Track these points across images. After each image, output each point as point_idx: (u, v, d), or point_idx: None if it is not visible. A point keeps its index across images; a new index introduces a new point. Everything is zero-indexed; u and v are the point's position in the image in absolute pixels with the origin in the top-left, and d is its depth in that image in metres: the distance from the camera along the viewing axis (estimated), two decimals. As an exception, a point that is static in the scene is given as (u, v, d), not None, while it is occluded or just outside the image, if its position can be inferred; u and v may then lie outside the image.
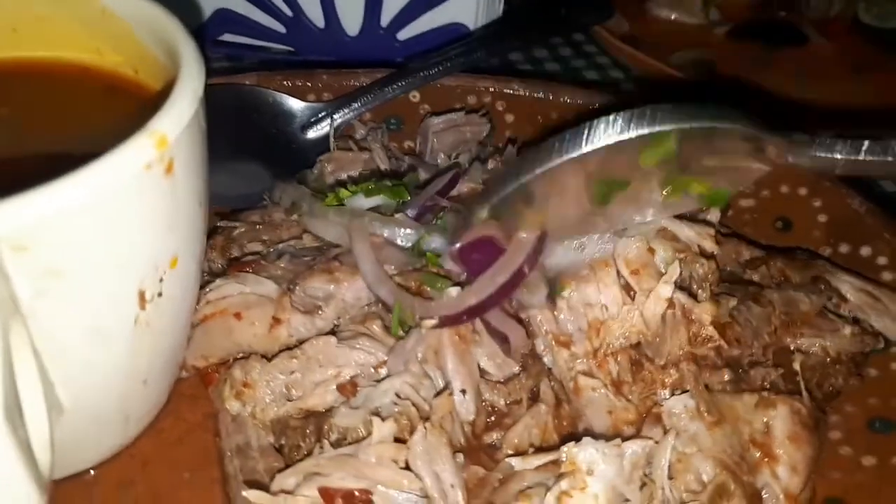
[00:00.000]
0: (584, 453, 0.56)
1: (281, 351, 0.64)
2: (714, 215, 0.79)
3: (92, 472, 0.63)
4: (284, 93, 0.92)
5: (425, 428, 0.57)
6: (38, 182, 0.43)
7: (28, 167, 0.55)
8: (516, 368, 0.65)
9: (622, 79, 1.30)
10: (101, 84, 0.64)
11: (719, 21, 1.47)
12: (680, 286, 0.69)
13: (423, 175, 0.82)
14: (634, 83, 1.29)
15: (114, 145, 0.45)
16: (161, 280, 0.51)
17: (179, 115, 0.48)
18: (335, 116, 0.91)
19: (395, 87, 0.94)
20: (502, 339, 0.62)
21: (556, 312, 0.67)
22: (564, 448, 0.56)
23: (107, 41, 0.62)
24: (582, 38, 1.37)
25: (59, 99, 0.63)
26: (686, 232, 0.73)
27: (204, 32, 1.17)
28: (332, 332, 0.66)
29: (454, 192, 0.78)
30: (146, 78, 0.62)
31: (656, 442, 0.59)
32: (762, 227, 0.89)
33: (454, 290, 0.63)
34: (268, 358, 0.64)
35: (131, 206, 0.46)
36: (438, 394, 0.60)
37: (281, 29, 1.20)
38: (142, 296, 0.50)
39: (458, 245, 0.65)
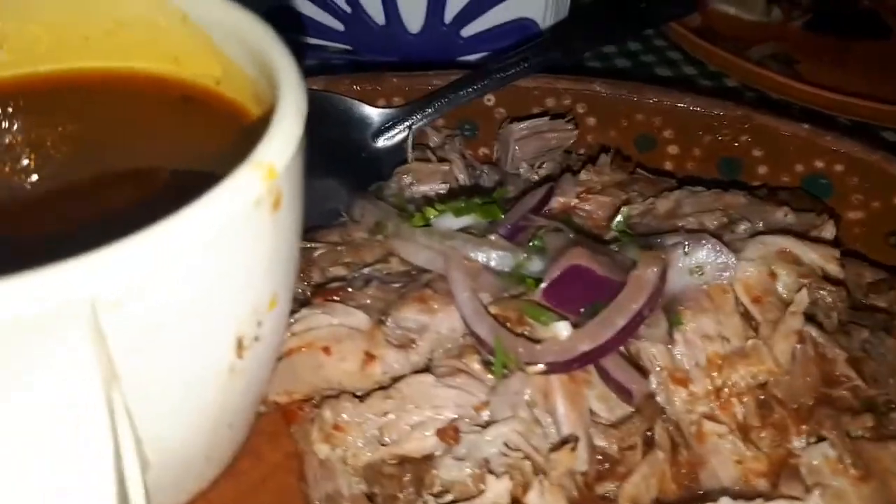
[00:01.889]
0: (723, 515, 0.50)
1: (374, 390, 0.58)
2: (829, 231, 0.72)
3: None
4: (353, 98, 0.86)
5: (542, 485, 0.51)
6: (120, 214, 0.37)
7: (108, 193, 0.50)
8: (629, 410, 0.59)
9: (696, 74, 1.23)
10: (177, 97, 0.58)
11: (793, 14, 1.38)
12: (806, 316, 0.62)
13: (509, 188, 0.76)
14: (710, 79, 1.21)
15: (198, 168, 0.40)
16: (259, 324, 0.46)
17: (287, 141, 0.42)
18: (409, 123, 0.85)
19: (469, 89, 0.87)
20: (621, 389, 0.56)
21: (670, 346, 0.61)
22: (702, 510, 0.50)
23: (186, 50, 0.57)
24: (651, 31, 1.30)
25: (134, 114, 0.58)
26: (810, 254, 0.66)
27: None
28: (427, 369, 0.60)
29: (546, 209, 0.72)
30: (229, 91, 0.56)
31: (798, 500, 0.53)
32: (874, 244, 0.81)
33: (563, 327, 0.57)
34: (359, 397, 0.58)
35: (234, 248, 0.41)
36: (557, 446, 0.54)
37: (339, 26, 1.14)
38: (240, 343, 0.45)
39: (544, 285, 0.58)
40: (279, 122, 0.43)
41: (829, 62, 1.28)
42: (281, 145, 0.42)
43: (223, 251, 0.40)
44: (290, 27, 1.15)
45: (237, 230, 0.40)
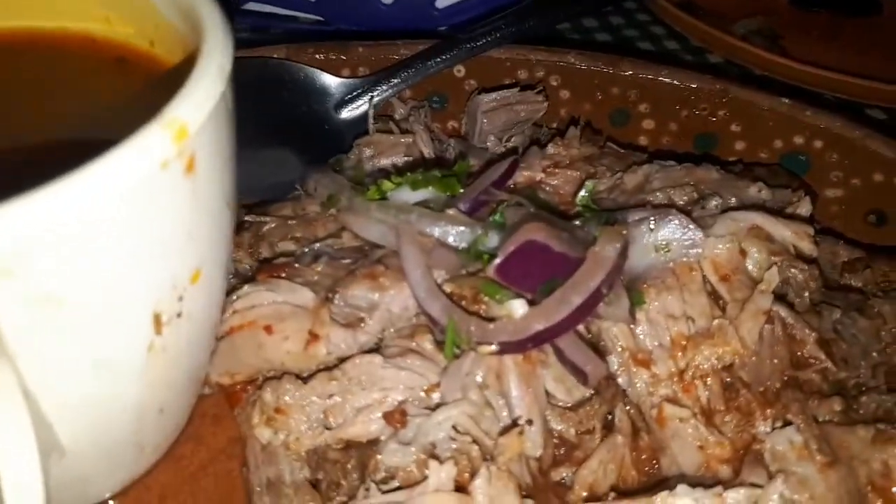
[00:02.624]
0: (681, 502, 0.47)
1: (318, 371, 0.55)
2: (805, 208, 0.69)
3: (111, 503, 0.55)
4: (316, 67, 0.82)
5: (489, 471, 0.48)
6: (29, 181, 0.34)
7: (20, 160, 0.46)
8: (587, 392, 0.56)
9: (679, 49, 1.19)
10: (110, 58, 0.55)
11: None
12: (776, 295, 0.59)
13: (472, 162, 0.73)
14: (693, 54, 1.18)
15: (124, 133, 0.36)
16: (180, 299, 0.43)
17: (202, 99, 0.39)
18: (373, 94, 0.81)
19: (438, 60, 0.84)
20: (576, 371, 0.53)
21: (632, 325, 0.58)
22: (657, 498, 0.48)
23: (118, 8, 0.53)
24: (634, 5, 1.26)
25: (61, 76, 0.54)
26: (782, 231, 0.63)
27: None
28: (376, 349, 0.57)
29: (510, 183, 0.69)
30: (163, 52, 0.53)
31: (760, 487, 0.50)
32: (852, 222, 0.79)
33: (518, 305, 0.53)
34: (303, 379, 0.55)
35: (144, 215, 0.37)
36: (505, 430, 0.51)
37: (309, -5, 1.10)
38: (157, 319, 0.41)
39: (497, 261, 0.55)
40: (195, 80, 0.39)
41: (816, 38, 1.24)
42: (195, 104, 0.38)
43: (128, 216, 0.36)
44: (258, -3, 1.11)
45: (144, 193, 0.36)
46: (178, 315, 0.43)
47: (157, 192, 0.37)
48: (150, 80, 0.52)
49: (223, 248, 0.47)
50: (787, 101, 0.82)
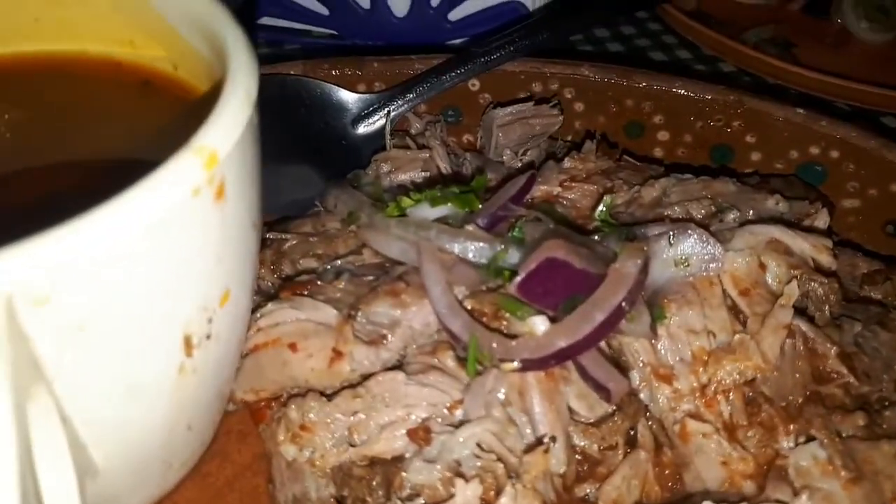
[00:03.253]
0: (705, 520, 0.48)
1: (342, 388, 0.56)
2: (823, 220, 0.69)
3: (132, 522, 0.56)
4: (332, 83, 0.83)
5: (514, 489, 0.48)
6: (59, 208, 0.35)
7: (48, 185, 0.47)
8: (610, 408, 0.57)
9: (691, 59, 1.19)
10: (134, 81, 0.56)
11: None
12: (796, 309, 0.59)
13: (490, 176, 0.73)
14: (705, 63, 1.18)
15: (151, 158, 0.37)
16: (210, 321, 0.43)
17: (231, 126, 0.39)
18: (389, 109, 0.82)
19: (452, 74, 0.84)
20: (599, 387, 0.53)
21: (653, 341, 0.58)
22: (683, 515, 0.48)
23: (142, 32, 0.54)
24: (646, 15, 1.26)
25: (85, 99, 0.55)
26: (801, 244, 0.63)
27: (243, 16, 1.08)
28: (399, 366, 0.57)
29: (527, 198, 0.69)
30: (188, 75, 0.53)
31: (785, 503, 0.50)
32: (870, 233, 0.79)
33: (540, 322, 0.54)
34: (327, 396, 0.56)
35: (175, 242, 0.38)
36: (530, 447, 0.51)
37: (324, 11, 1.11)
38: (187, 342, 0.42)
39: (518, 279, 0.55)
40: (223, 106, 0.40)
41: (828, 46, 1.24)
42: (224, 130, 0.39)
43: (161, 243, 0.37)
44: (272, 12, 1.12)
45: (176, 221, 0.37)
46: (208, 337, 0.44)
47: (188, 220, 0.38)
48: (175, 104, 0.53)
49: (250, 269, 0.48)
50: (801, 111, 0.83)
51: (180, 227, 0.37)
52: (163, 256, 0.37)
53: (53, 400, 0.36)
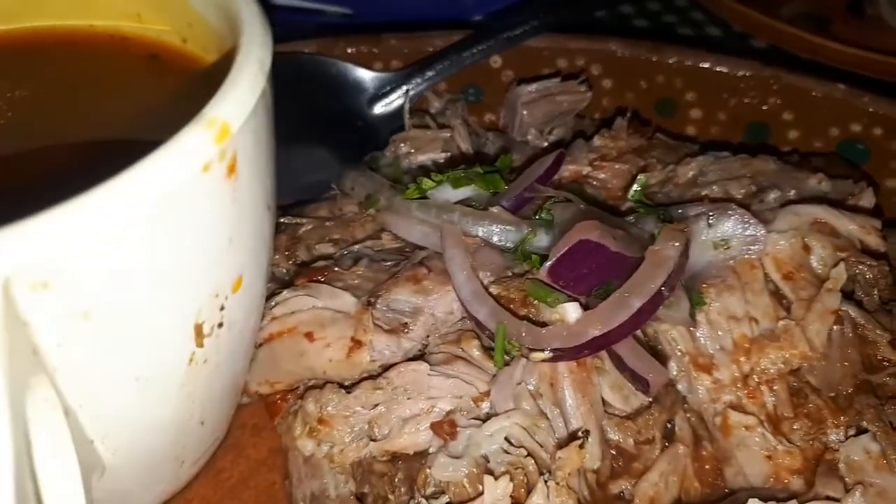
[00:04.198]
0: (753, 520, 0.44)
1: (362, 379, 0.53)
2: (868, 199, 0.65)
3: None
4: (347, 61, 0.80)
5: (547, 486, 0.45)
6: (63, 186, 0.32)
7: (52, 163, 0.44)
8: (646, 400, 0.53)
9: (721, 36, 1.15)
10: (142, 55, 0.53)
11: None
12: (844, 294, 0.56)
13: (515, 156, 0.70)
14: (736, 40, 1.13)
15: (160, 134, 0.34)
16: (222, 308, 0.40)
17: (243, 97, 0.36)
18: (407, 88, 0.78)
19: (473, 51, 0.81)
20: (636, 378, 0.49)
21: (692, 328, 0.55)
22: (729, 515, 0.44)
23: (149, 5, 0.51)
24: (672, -10, 1.22)
25: (92, 74, 0.52)
26: (847, 224, 0.59)
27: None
28: (421, 356, 0.54)
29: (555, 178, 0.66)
30: (197, 48, 0.50)
31: (837, 501, 0.47)
32: (916, 214, 0.74)
33: (572, 309, 0.50)
34: (346, 387, 0.53)
35: (184, 221, 0.35)
36: (563, 443, 0.48)
37: (337, -13, 1.08)
38: (198, 330, 0.39)
39: (549, 263, 0.52)
40: (235, 77, 0.37)
41: (867, 22, 1.18)
42: (236, 102, 0.36)
43: (169, 223, 0.34)
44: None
45: (185, 198, 0.34)
46: (220, 325, 0.41)
47: (197, 197, 0.35)
48: (184, 78, 0.50)
49: (264, 254, 0.45)
50: (842, 86, 0.78)
51: (190, 205, 0.34)
52: (171, 237, 0.34)
53: (55, 392, 0.33)
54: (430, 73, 0.80)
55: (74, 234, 0.31)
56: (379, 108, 0.79)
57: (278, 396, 0.56)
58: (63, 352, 0.34)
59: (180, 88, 0.50)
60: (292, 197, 0.70)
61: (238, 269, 0.41)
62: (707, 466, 0.53)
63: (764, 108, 0.80)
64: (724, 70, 0.81)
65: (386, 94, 0.79)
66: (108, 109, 0.51)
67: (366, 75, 0.79)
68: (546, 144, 0.73)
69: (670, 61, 0.82)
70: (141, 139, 0.41)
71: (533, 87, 0.76)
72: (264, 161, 0.41)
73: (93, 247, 0.32)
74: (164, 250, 0.35)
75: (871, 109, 0.76)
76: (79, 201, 0.31)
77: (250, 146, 0.38)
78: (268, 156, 0.41)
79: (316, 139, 0.75)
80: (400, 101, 0.78)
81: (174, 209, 0.34)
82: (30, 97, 0.50)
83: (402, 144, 0.72)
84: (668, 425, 0.54)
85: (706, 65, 0.81)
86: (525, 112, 0.75)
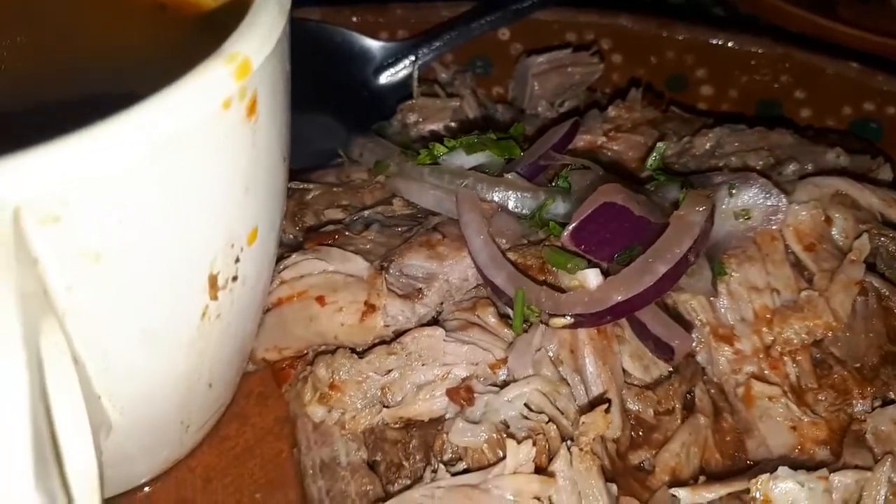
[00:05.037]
0: (783, 486, 0.43)
1: (375, 344, 0.51)
2: (887, 174, 0.64)
3: (146, 488, 0.52)
4: (353, 30, 0.78)
5: (570, 452, 0.44)
6: (71, 126, 0.30)
7: (58, 113, 0.42)
8: (666, 370, 0.52)
9: (727, 17, 1.13)
10: (150, 4, 0.50)
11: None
12: (867, 265, 0.55)
13: (527, 127, 0.68)
14: (742, 23, 1.12)
15: (168, 79, 0.32)
16: (237, 260, 0.39)
17: (266, 32, 0.34)
18: (415, 58, 0.76)
19: (482, 22, 0.79)
20: (659, 346, 0.48)
21: (712, 298, 0.53)
22: (758, 481, 0.43)
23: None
24: (676, -27, 1.20)
25: (99, 23, 0.50)
26: (868, 197, 0.58)
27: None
28: (436, 322, 0.53)
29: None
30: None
31: (867, 469, 0.45)
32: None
33: (593, 275, 0.49)
34: (358, 353, 0.51)
35: (201, 161, 0.33)
36: (586, 409, 0.46)
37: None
38: (213, 282, 0.37)
39: (572, 225, 0.50)
40: (257, 12, 0.35)
41: (874, 4, 1.18)
42: (258, 38, 0.34)
43: (187, 161, 0.32)
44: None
45: (203, 136, 0.32)
46: (234, 279, 0.39)
47: (216, 136, 0.33)
48: (193, 29, 0.48)
49: (279, 207, 0.43)
50: (855, 64, 0.77)
51: (208, 143, 0.32)
52: (188, 177, 0.32)
53: (65, 337, 0.31)
54: (437, 44, 0.78)
55: (87, 165, 0.29)
56: (385, 78, 0.77)
57: (286, 363, 0.55)
58: (73, 295, 0.32)
59: (190, 38, 0.48)
60: (299, 163, 0.67)
61: (254, 219, 0.39)
62: (728, 438, 0.52)
63: (776, 85, 0.79)
64: (736, 47, 0.80)
65: (392, 64, 0.77)
66: (116, 59, 0.49)
67: (372, 44, 0.77)
68: (555, 117, 0.71)
69: (680, 37, 0.81)
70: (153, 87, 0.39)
71: (544, 57, 0.74)
72: (282, 106, 0.39)
73: (106, 181, 0.30)
74: (180, 191, 0.33)
75: (885, 88, 0.75)
76: (91, 132, 0.29)
77: (270, 87, 0.36)
78: (285, 102, 0.40)
79: (321, 107, 0.72)
80: (406, 71, 0.77)
81: (193, 147, 0.32)
82: (34, 43, 0.48)
83: (410, 113, 0.70)
84: (688, 396, 0.52)
85: (717, 41, 0.80)
86: (536, 83, 0.74)
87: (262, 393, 0.56)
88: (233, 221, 0.37)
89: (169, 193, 0.32)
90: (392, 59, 0.78)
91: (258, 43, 0.34)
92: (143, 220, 0.32)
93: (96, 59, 0.47)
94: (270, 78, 0.36)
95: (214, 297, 0.38)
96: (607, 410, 0.45)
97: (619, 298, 0.48)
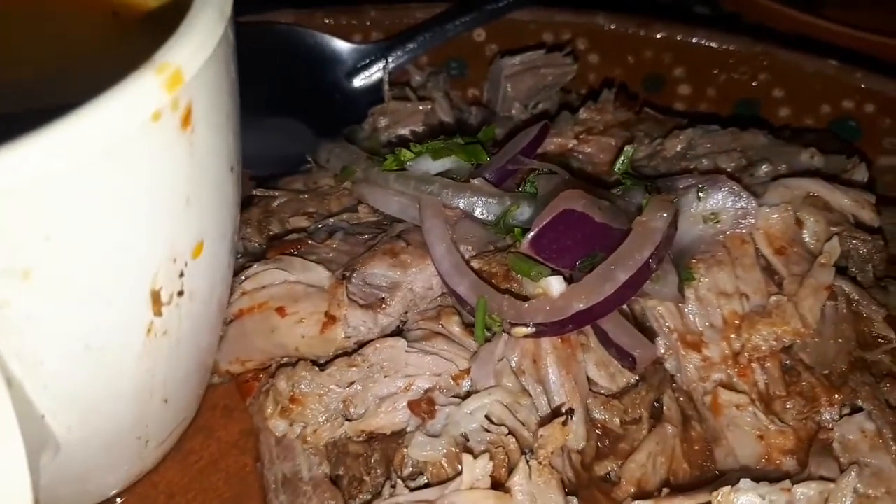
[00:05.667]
0: (745, 499, 0.42)
1: (336, 357, 0.50)
2: (861, 174, 0.63)
3: (118, 500, 0.51)
4: (326, 32, 0.77)
5: (529, 466, 0.43)
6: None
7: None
8: (633, 378, 0.51)
9: (709, 15, 1.12)
10: (104, 14, 0.49)
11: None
12: (838, 269, 0.54)
13: (498, 130, 0.67)
14: (725, 21, 1.11)
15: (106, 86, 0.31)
16: (181, 275, 0.38)
17: (199, 42, 0.33)
18: (388, 60, 0.76)
19: (456, 23, 0.78)
20: (622, 355, 0.47)
21: (680, 304, 0.52)
22: (718, 494, 0.42)
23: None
24: (659, -30, 1.19)
25: (51, 31, 0.49)
26: (840, 199, 0.57)
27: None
28: (399, 332, 0.52)
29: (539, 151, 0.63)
30: (159, 3, 0.47)
31: (831, 481, 0.45)
32: (909, 192, 0.73)
33: (556, 283, 0.48)
34: (319, 365, 0.50)
35: (134, 175, 0.32)
36: (545, 420, 0.46)
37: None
38: (155, 297, 0.37)
39: (532, 234, 0.49)
40: (191, 21, 0.34)
41: (861, 5, 1.16)
42: (191, 47, 0.33)
43: (116, 175, 0.31)
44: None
45: (133, 149, 0.31)
46: (180, 293, 0.38)
47: (148, 149, 0.32)
48: (145, 35, 0.47)
49: (228, 219, 0.42)
50: (834, 62, 0.77)
51: (139, 156, 0.32)
52: (119, 191, 0.32)
53: (-9, 360, 0.31)
54: (411, 46, 0.77)
55: (3, 181, 0.28)
56: (358, 82, 0.76)
57: (250, 375, 0.54)
58: (1, 314, 0.31)
59: (142, 45, 0.47)
60: (266, 170, 0.67)
61: (198, 233, 0.38)
62: (696, 447, 0.51)
63: (754, 84, 0.79)
64: (714, 45, 0.79)
65: (365, 67, 0.76)
66: (68, 70, 0.48)
67: (344, 47, 0.76)
68: (529, 118, 0.70)
69: (658, 36, 0.80)
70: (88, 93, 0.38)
71: (517, 59, 0.73)
72: (226, 116, 0.38)
73: (29, 195, 0.29)
74: (111, 205, 0.32)
75: (863, 86, 0.75)
76: (14, 145, 0.28)
77: (208, 98, 0.35)
78: (230, 111, 0.39)
79: (291, 112, 0.72)
80: (379, 74, 0.76)
81: (122, 160, 0.31)
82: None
83: (382, 117, 0.70)
84: (656, 405, 0.52)
85: (695, 40, 0.80)
86: (509, 85, 0.73)
87: (228, 406, 0.56)
88: (174, 235, 0.36)
89: (99, 207, 0.32)
90: (365, 62, 0.77)
91: (191, 52, 0.33)
92: (72, 235, 0.31)
93: (45, 72, 0.46)
94: (208, 86, 0.35)
95: (158, 314, 0.37)
96: (565, 422, 0.44)
97: (581, 307, 0.47)
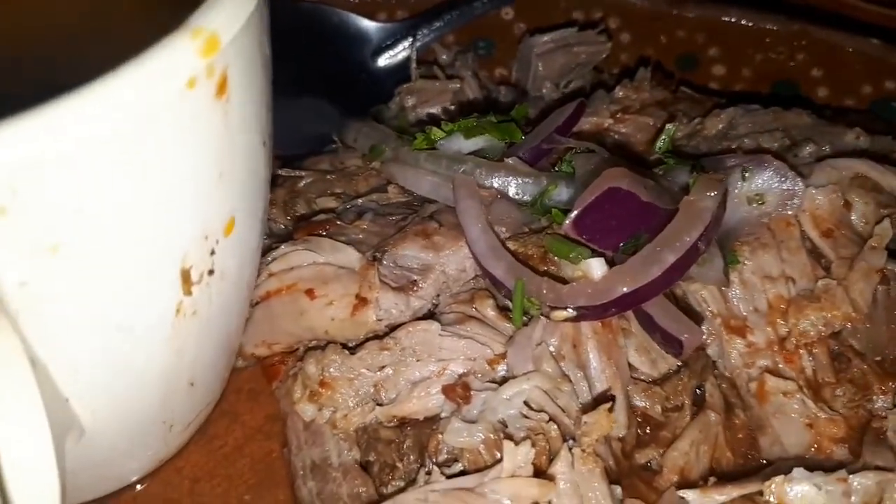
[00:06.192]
0: (799, 489, 0.40)
1: (367, 340, 0.49)
2: (908, 155, 0.60)
3: (138, 486, 0.50)
4: (350, 10, 0.75)
5: (572, 453, 0.41)
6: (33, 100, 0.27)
7: (17, 85, 0.40)
8: (674, 364, 0.49)
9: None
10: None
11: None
12: (889, 252, 0.52)
13: (530, 109, 0.65)
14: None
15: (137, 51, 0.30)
16: (212, 252, 0.36)
17: (236, 7, 0.32)
18: (414, 39, 0.74)
19: (484, 1, 0.76)
20: (667, 339, 0.45)
21: (724, 288, 0.50)
22: (771, 483, 0.40)
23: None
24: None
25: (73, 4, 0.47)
26: (890, 179, 0.55)
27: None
28: (432, 315, 0.50)
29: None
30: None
31: (888, 471, 0.43)
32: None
33: (597, 265, 0.46)
34: (350, 349, 0.49)
35: (167, 146, 0.30)
36: (589, 407, 0.44)
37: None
38: (186, 276, 0.35)
39: (575, 213, 0.47)
40: (226, -18, 0.32)
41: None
42: (227, 13, 0.31)
43: (148, 146, 0.30)
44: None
45: (166, 118, 0.29)
46: (210, 272, 0.37)
47: (182, 118, 0.30)
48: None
49: (259, 196, 0.41)
50: (876, 41, 0.74)
51: (173, 126, 0.30)
52: (152, 160, 0.30)
53: (19, 338, 0.29)
54: (437, 24, 0.75)
55: (33, 150, 0.26)
56: (383, 61, 0.74)
57: (276, 359, 0.52)
58: (27, 292, 0.29)
59: (167, 12, 0.45)
60: (291, 150, 0.65)
61: (230, 209, 0.36)
62: (739, 435, 0.49)
63: (791, 64, 0.76)
64: (749, 24, 0.77)
65: (391, 46, 0.74)
66: (92, 36, 0.46)
67: (370, 26, 0.74)
68: (561, 97, 0.68)
69: (691, 15, 0.77)
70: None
71: (548, 37, 0.71)
72: (259, 87, 0.36)
73: (57, 166, 0.27)
74: (143, 177, 0.30)
75: (907, 65, 0.72)
76: (36, 113, 0.26)
77: (244, 65, 0.33)
78: (263, 83, 0.37)
79: (316, 91, 0.70)
80: (405, 53, 0.74)
81: (155, 128, 0.29)
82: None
83: (409, 96, 0.68)
84: (698, 391, 0.50)
85: (730, 19, 0.77)
86: (540, 64, 0.71)
87: (253, 390, 0.54)
88: (206, 210, 0.35)
89: (132, 179, 0.30)
90: (390, 41, 0.75)
91: (228, 17, 0.31)
92: (103, 208, 0.30)
93: (68, 38, 0.44)
94: (243, 55, 0.33)
95: (189, 293, 0.36)
96: (611, 409, 0.42)
97: (625, 290, 0.45)
